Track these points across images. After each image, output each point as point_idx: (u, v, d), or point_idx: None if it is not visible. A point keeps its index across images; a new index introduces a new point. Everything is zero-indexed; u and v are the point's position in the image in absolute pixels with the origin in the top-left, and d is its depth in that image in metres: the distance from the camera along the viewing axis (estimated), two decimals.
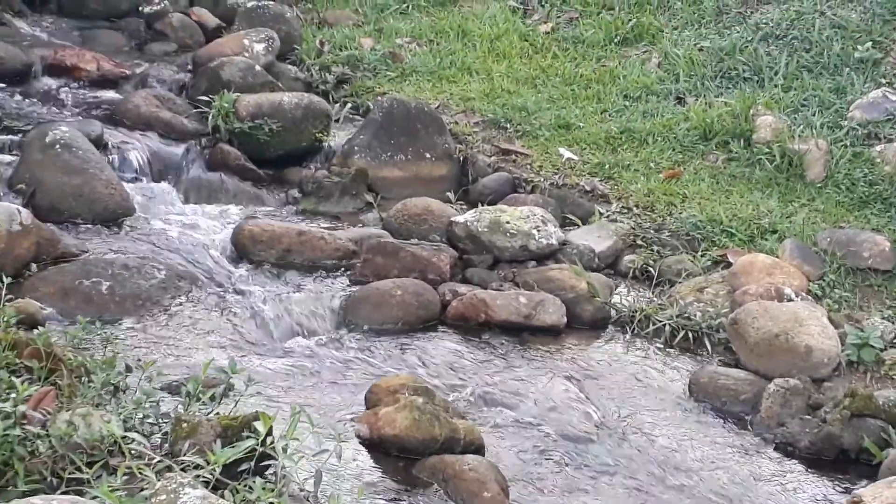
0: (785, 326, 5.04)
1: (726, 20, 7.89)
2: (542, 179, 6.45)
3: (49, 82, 7.08)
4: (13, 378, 3.41)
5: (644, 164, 6.62)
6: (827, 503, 4.30)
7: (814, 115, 6.80)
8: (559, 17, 8.39)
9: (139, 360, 3.98)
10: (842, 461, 4.57)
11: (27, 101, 6.77)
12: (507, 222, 5.77)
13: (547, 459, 4.38)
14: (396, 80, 7.60)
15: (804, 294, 5.42)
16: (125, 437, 3.28)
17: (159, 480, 3.01)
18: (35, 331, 3.88)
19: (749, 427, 4.76)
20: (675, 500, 4.24)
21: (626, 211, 6.21)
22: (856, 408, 4.61)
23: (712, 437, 4.68)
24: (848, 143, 6.55)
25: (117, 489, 3.10)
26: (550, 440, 4.50)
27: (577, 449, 4.47)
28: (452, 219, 5.87)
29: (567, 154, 6.70)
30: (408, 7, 8.74)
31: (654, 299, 5.56)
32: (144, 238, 5.63)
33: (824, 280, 5.60)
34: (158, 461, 3.23)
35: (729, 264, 5.69)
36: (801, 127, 6.64)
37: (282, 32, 7.77)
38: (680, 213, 6.12)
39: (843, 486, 4.42)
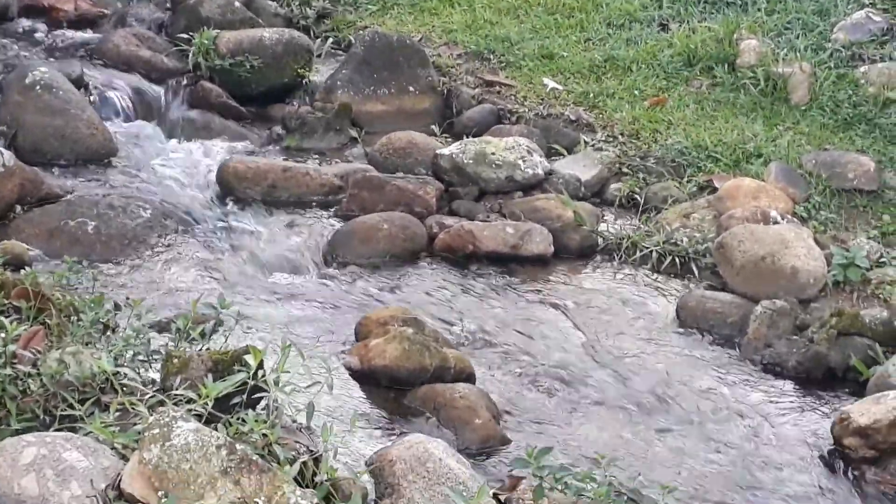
0: (771, 249, 5.06)
1: None
2: (526, 110, 6.42)
3: (26, 23, 6.98)
4: (2, 318, 3.41)
5: (628, 91, 6.59)
6: (815, 421, 4.34)
7: (797, 37, 6.77)
8: None
9: (128, 298, 3.97)
10: (829, 380, 4.61)
11: (4, 42, 6.69)
12: (493, 153, 5.75)
13: (537, 386, 4.41)
14: (378, 14, 7.53)
15: (790, 216, 5.44)
16: (117, 373, 3.29)
17: (152, 415, 3.02)
18: (22, 271, 3.87)
19: (737, 349, 4.79)
20: (664, 422, 4.27)
21: (611, 139, 6.19)
22: (842, 327, 4.65)
23: (701, 360, 4.71)
24: (832, 65, 6.53)
25: (110, 425, 3.13)
26: (540, 368, 4.53)
27: (567, 375, 4.50)
28: (437, 151, 5.85)
29: (551, 84, 6.66)
30: None
31: (641, 226, 5.56)
32: (129, 178, 5.60)
33: (810, 202, 5.61)
34: (151, 396, 3.25)
35: (714, 189, 5.70)
36: (785, 50, 6.61)
37: None
38: (665, 140, 6.10)
39: (831, 403, 4.46)
